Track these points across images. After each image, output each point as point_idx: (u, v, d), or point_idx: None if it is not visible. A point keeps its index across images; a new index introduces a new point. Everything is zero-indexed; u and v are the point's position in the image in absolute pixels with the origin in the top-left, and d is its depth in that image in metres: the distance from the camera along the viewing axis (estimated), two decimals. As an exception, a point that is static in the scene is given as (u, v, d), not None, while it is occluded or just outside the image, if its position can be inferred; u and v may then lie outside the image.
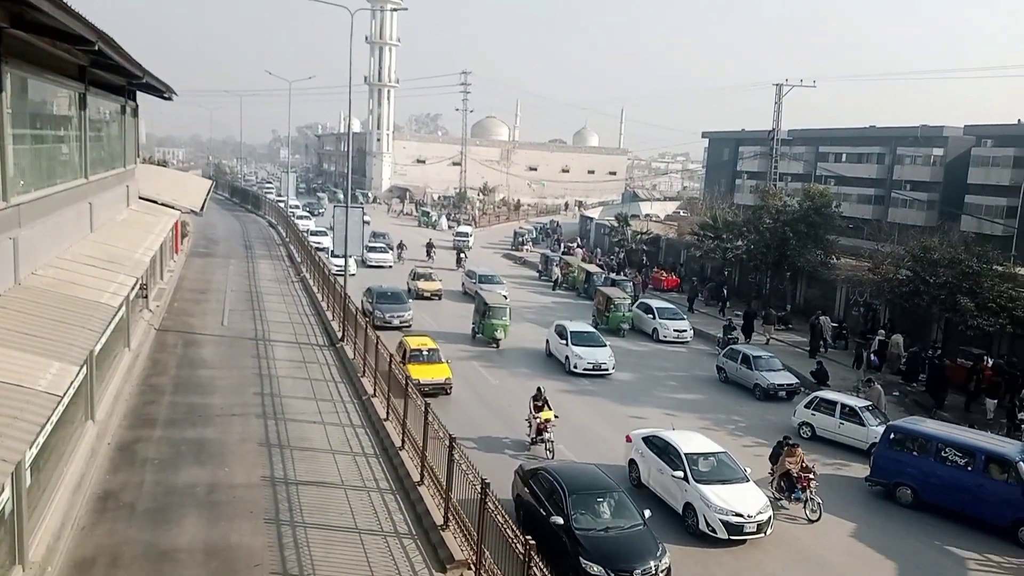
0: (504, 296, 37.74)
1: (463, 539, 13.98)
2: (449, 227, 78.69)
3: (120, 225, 24.09)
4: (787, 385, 28.16)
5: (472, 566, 13.20)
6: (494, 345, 32.47)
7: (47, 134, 17.03)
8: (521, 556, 10.88)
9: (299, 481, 16.86)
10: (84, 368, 15.70)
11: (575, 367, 29.25)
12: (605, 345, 30.43)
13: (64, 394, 11.22)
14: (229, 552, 13.69)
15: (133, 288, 20.18)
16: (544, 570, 10.43)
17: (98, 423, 18.04)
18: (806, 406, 24.39)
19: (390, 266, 51.93)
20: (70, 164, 18.69)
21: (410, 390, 18.11)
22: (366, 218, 72.33)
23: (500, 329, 32.50)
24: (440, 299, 41.98)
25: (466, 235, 67.31)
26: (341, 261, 40.47)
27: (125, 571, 12.84)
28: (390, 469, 17.99)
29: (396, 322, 33.70)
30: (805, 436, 23.84)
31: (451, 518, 14.68)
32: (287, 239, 56.72)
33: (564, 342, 30.29)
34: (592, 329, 32.08)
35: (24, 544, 11.84)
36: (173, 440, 18.59)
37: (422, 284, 42.59)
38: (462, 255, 55.94)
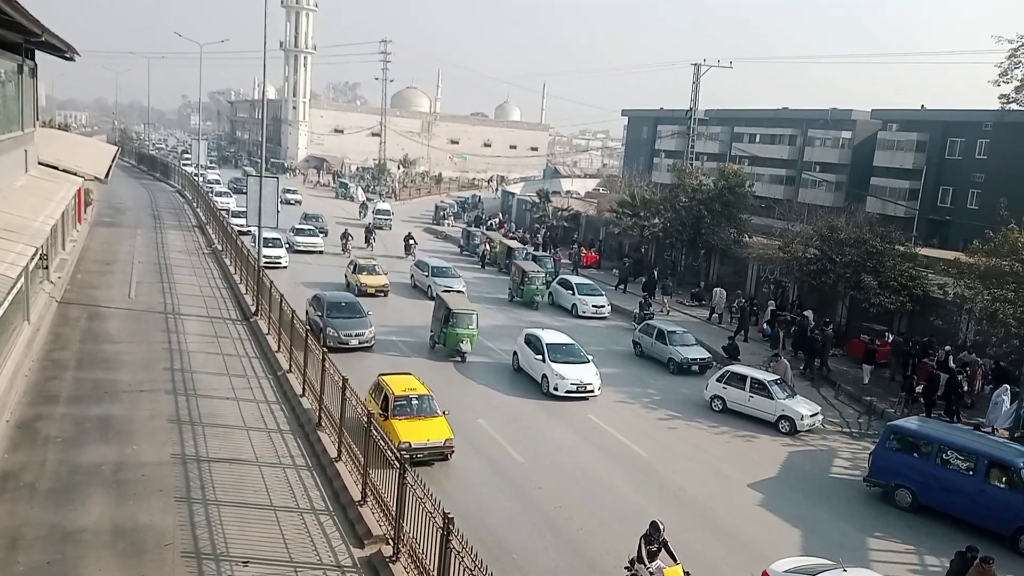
0: (461, 291, 33.61)
1: (380, 514, 13.91)
2: (368, 199, 77.35)
3: (18, 192, 22.96)
4: (700, 359, 28.90)
5: (390, 541, 13.15)
6: (459, 358, 27.19)
7: (-66, 93, 15.99)
8: (440, 527, 10.87)
9: (211, 458, 16.45)
10: (-22, 342, 14.91)
11: (555, 389, 24.25)
12: (588, 360, 25.60)
13: (-44, 370, 10.63)
14: (138, 532, 13.28)
15: (32, 258, 19.27)
16: (463, 542, 10.44)
17: (-5, 400, 17.18)
18: (717, 380, 25.08)
19: (320, 251, 46.72)
20: (-39, 126, 17.62)
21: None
22: (296, 197, 69.01)
23: (466, 340, 27.11)
24: (386, 295, 36.12)
25: (387, 213, 63.91)
26: (272, 251, 37.84)
27: (26, 553, 12.32)
28: (306, 445, 17.73)
29: (355, 342, 26.72)
30: (716, 409, 24.56)
31: (369, 493, 14.58)
32: (204, 220, 51.29)
33: (539, 357, 25.34)
34: (570, 340, 26.67)
35: (-87, 528, 11.22)
36: (77, 417, 17.86)
37: (365, 279, 36.14)
38: (411, 242, 49.55)
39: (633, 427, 22.46)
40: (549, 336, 26.59)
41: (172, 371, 21.87)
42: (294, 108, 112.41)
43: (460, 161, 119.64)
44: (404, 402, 18.88)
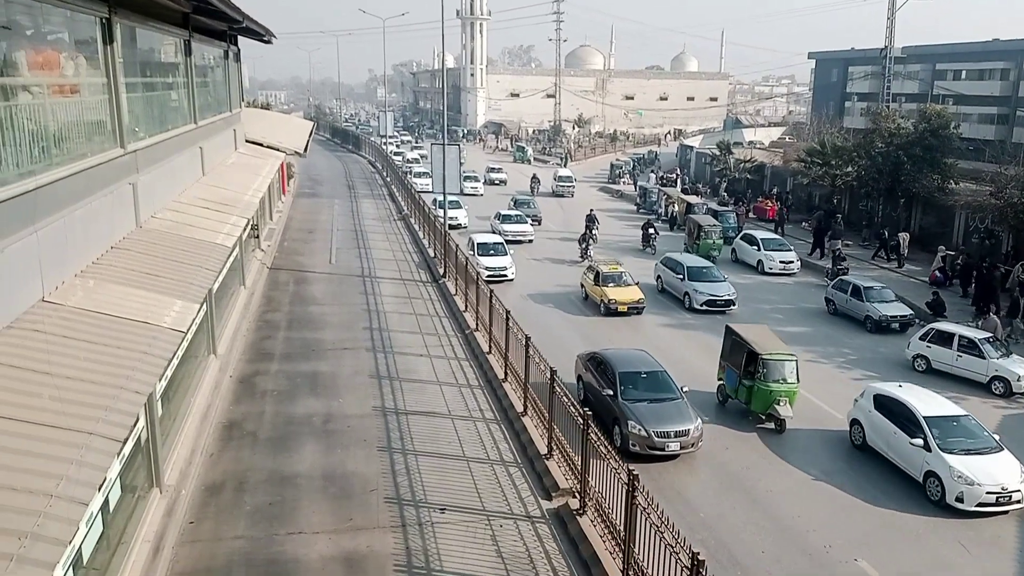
0: (730, 299, 27.99)
1: (567, 468, 14.26)
2: (538, 162, 77.36)
3: (229, 168, 25.02)
4: (900, 317, 27.11)
5: (576, 494, 13.47)
6: (771, 425, 18.48)
7: (157, 82, 17.71)
8: (625, 483, 11.01)
9: (408, 411, 17.50)
10: (204, 306, 16.57)
11: (958, 500, 15.08)
12: (1000, 446, 16.19)
13: (187, 330, 11.90)
14: (346, 478, 14.41)
15: (245, 229, 21.05)
16: (648, 498, 10.53)
17: (220, 357, 19.11)
18: (921, 338, 23.48)
19: (531, 240, 39.12)
20: (180, 110, 19.44)
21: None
22: (501, 176, 62.89)
23: (784, 400, 18.12)
24: (640, 313, 27.13)
25: (569, 180, 58.94)
26: (495, 261, 30.77)
27: (251, 494, 13.72)
28: (494, 400, 18.43)
29: (675, 447, 16.37)
30: (920, 369, 23.03)
31: (554, 448, 14.98)
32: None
33: (918, 441, 16.05)
34: (961, 409, 17.35)
35: (160, 469, 12.78)
36: (289, 373, 19.53)
37: (613, 292, 27.00)
38: (650, 231, 38.91)
39: (826, 388, 21.43)
40: (925, 403, 17.11)
41: (371, 330, 23.33)
42: (472, 75, 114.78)
43: (635, 117, 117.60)
44: None
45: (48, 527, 6.28)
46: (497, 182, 61.43)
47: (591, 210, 40.88)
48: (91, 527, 9.12)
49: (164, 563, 11.42)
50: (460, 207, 41.02)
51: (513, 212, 42.35)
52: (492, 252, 31.73)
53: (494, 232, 38.04)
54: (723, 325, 21.24)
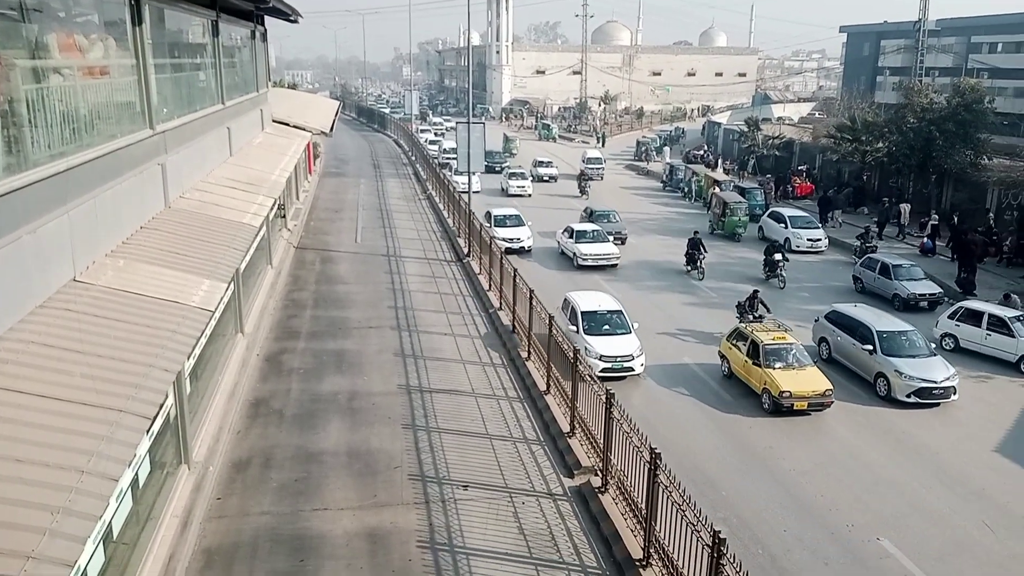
0: (950, 386, 18.81)
1: (589, 446, 14.34)
2: (564, 138, 76.84)
3: (256, 148, 25.15)
4: (929, 295, 26.80)
5: (599, 472, 13.55)
6: None
7: (185, 62, 17.83)
8: (648, 462, 11.05)
9: (432, 389, 17.65)
10: (232, 285, 16.79)
11: None
12: None
13: (215, 309, 12.07)
14: (370, 455, 14.60)
15: (272, 208, 21.21)
16: (671, 477, 10.57)
17: (247, 336, 19.37)
18: (949, 316, 23.22)
19: (615, 264, 30.54)
20: (207, 91, 19.56)
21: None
22: (551, 171, 51.94)
23: None
24: (823, 408, 18.15)
25: (598, 161, 55.15)
26: (611, 346, 19.55)
27: (277, 471, 13.95)
28: (517, 379, 18.52)
29: None
30: (948, 348, 22.77)
31: (577, 426, 15.06)
32: (420, 171, 47.82)
33: None
34: None
35: (188, 446, 13.04)
36: (316, 351, 19.75)
37: (786, 379, 17.92)
38: (777, 256, 29.14)
39: (851, 366, 21.29)
40: None
41: (396, 309, 23.51)
42: (497, 52, 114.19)
43: (662, 93, 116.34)
44: None
45: (79, 502, 6.45)
46: (546, 178, 52.30)
47: (695, 232, 31.17)
48: (121, 502, 9.35)
49: (192, 538, 11.68)
50: (522, 223, 33.38)
51: (589, 227, 32.30)
52: (607, 328, 20.34)
53: (563, 252, 31.65)
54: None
